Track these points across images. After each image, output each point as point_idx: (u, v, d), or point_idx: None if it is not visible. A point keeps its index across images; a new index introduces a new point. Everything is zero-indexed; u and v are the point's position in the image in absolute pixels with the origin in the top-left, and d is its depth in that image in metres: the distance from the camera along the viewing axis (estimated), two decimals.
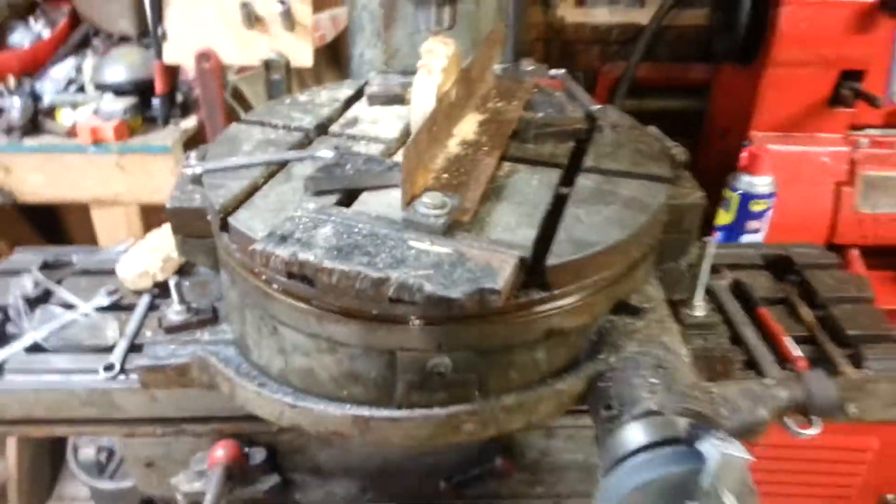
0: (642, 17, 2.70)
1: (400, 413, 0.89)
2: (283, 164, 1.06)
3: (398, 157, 1.08)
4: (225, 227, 0.96)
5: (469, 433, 0.89)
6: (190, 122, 2.07)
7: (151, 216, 2.22)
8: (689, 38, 2.68)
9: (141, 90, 2.07)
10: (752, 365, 1.12)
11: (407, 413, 0.89)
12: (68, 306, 1.24)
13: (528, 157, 1.09)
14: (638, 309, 0.97)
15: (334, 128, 1.18)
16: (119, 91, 2.06)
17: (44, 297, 1.27)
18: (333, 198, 0.96)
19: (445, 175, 0.97)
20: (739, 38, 1.99)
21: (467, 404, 0.88)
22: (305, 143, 1.14)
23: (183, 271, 1.26)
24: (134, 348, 1.14)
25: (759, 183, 1.87)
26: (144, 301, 1.24)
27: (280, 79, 1.53)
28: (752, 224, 1.84)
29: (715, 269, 1.31)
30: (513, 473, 1.12)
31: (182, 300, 1.10)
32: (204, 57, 1.51)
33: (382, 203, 0.95)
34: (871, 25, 1.85)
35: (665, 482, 0.75)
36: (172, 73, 1.75)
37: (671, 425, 0.81)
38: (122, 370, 1.10)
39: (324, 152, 1.06)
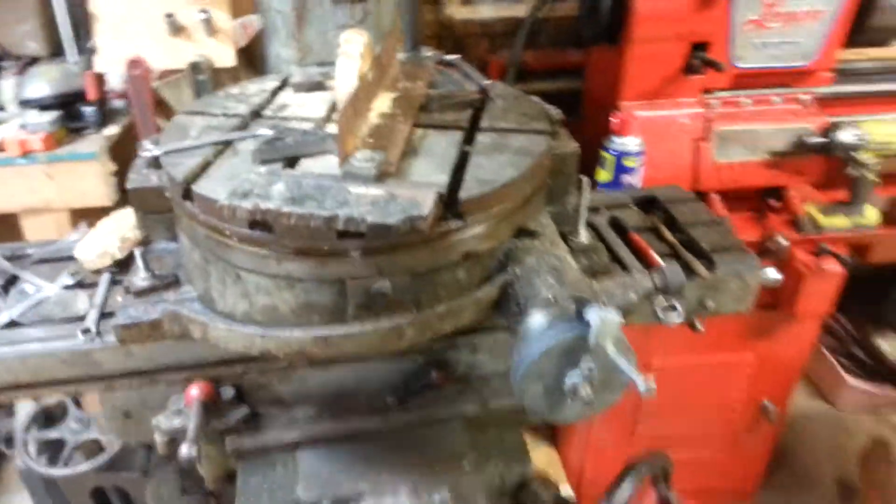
0: (523, 10, 2.99)
1: (352, 328, 1.09)
2: (228, 144, 1.25)
3: (328, 130, 1.29)
4: (188, 195, 1.14)
5: (410, 339, 1.11)
6: (112, 130, 2.20)
7: (79, 220, 2.31)
8: (564, 28, 2.99)
9: (63, 103, 2.18)
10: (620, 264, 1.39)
11: (358, 328, 1.09)
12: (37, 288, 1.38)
13: (435, 124, 1.32)
14: (534, 232, 1.22)
15: (267, 112, 1.37)
16: (43, 105, 2.16)
17: (11, 283, 1.41)
18: (278, 165, 1.16)
19: (370, 139, 1.18)
20: (604, 22, 2.29)
21: (409, 315, 1.10)
22: (244, 126, 1.33)
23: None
24: (104, 316, 1.30)
25: (630, 143, 2.18)
26: (106, 277, 1.39)
27: (206, 79, 1.70)
28: (627, 179, 2.14)
29: (595, 209, 1.59)
30: (446, 385, 1.35)
31: (147, 268, 1.27)
32: (134, 64, 1.65)
33: (320, 166, 1.16)
34: (712, 2, 2.18)
35: (561, 347, 0.99)
36: (102, 81, 1.88)
37: (564, 309, 1.05)
38: (98, 333, 1.26)
39: (263, 131, 1.25)
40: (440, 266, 1.12)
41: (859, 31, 2.35)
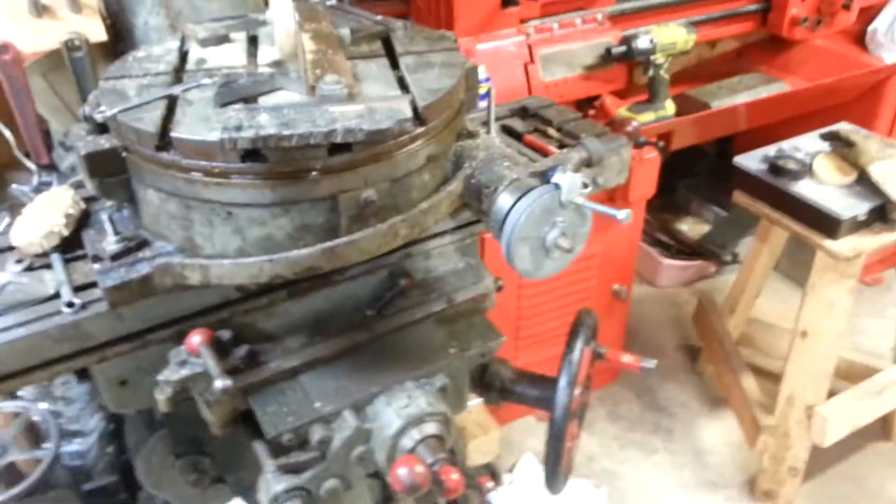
0: None
1: (356, 235, 1.22)
2: (173, 98, 1.28)
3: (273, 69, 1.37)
4: (164, 146, 1.17)
5: (404, 237, 1.26)
6: None
7: None
8: None
9: None
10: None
11: (360, 234, 1.22)
12: None
13: (358, 55, 1.45)
14: (473, 132, 1.41)
15: (190, 67, 1.41)
16: None
17: None
18: (239, 104, 1.23)
19: (318, 70, 1.29)
20: None
21: (399, 216, 1.24)
22: (178, 80, 1.36)
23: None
24: (78, 290, 1.29)
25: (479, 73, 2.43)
26: (56, 257, 1.36)
27: (83, 55, 1.65)
28: (481, 102, 2.39)
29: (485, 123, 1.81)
30: (412, 289, 1.51)
31: (116, 231, 1.29)
32: (2, 49, 1.56)
33: (280, 99, 1.25)
34: None
35: (539, 209, 1.20)
36: None
37: (527, 183, 1.26)
38: (83, 305, 1.25)
39: (204, 80, 1.31)
40: (411, 170, 1.28)
41: None
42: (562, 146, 1.74)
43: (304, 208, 1.21)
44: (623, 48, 2.69)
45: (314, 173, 1.18)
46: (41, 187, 1.77)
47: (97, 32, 1.70)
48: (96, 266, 1.26)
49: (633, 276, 3.18)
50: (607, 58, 2.70)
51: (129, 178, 1.30)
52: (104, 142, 1.27)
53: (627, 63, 2.75)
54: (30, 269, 1.35)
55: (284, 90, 1.29)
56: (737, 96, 3.13)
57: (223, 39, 1.52)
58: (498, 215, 1.25)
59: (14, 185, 2.31)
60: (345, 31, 1.50)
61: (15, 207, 2.06)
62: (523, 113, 1.93)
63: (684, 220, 4.14)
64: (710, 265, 3.90)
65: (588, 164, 1.52)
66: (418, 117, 1.24)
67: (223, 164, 1.16)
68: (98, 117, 1.23)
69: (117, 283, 1.22)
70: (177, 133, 1.15)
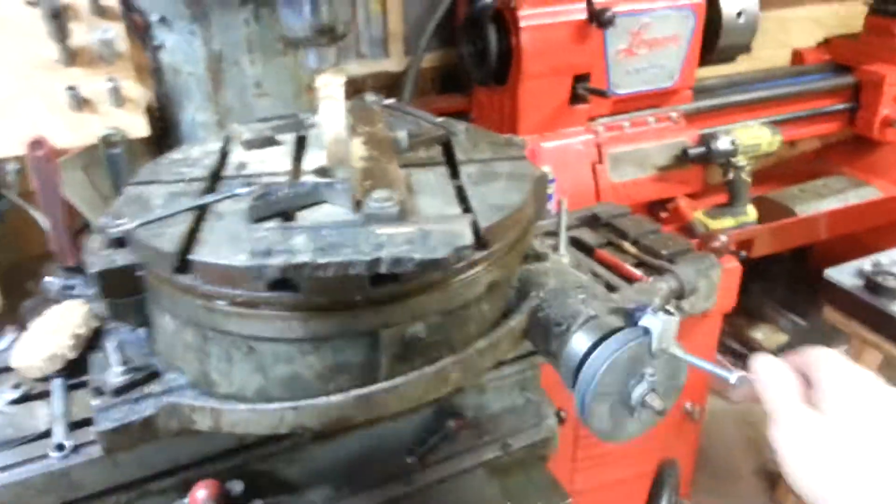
0: (390, 65, 3.03)
1: (398, 380, 1.01)
2: (204, 208, 1.12)
3: (316, 178, 1.21)
4: (183, 267, 1.01)
5: (455, 381, 1.05)
6: None
7: None
8: (439, 75, 3.06)
9: None
10: (611, 288, 1.41)
11: (402, 379, 1.02)
12: None
13: (415, 162, 1.28)
14: (541, 255, 1.21)
15: (228, 172, 1.26)
16: None
17: None
18: (275, 221, 1.06)
19: (368, 181, 1.12)
20: (492, 64, 2.37)
21: (451, 356, 1.04)
22: (211, 188, 1.21)
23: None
24: (73, 427, 1.11)
25: None
26: (58, 383, 1.20)
27: (120, 152, 1.53)
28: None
29: (553, 233, 1.62)
30: (462, 432, 1.29)
31: (123, 361, 1.11)
32: (36, 144, 1.45)
33: (322, 215, 1.08)
34: (588, 36, 2.33)
35: (624, 358, 0.98)
36: None
37: (608, 322, 1.04)
38: (74, 448, 1.07)
39: (239, 189, 1.15)
40: (468, 301, 1.08)
41: (710, 51, 2.61)
42: (639, 264, 1.53)
43: (339, 345, 1.02)
44: (701, 149, 2.49)
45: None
46: (64, 291, 1.63)
47: (138, 128, 1.59)
48: (94, 402, 1.08)
49: (707, 391, 2.88)
50: (683, 158, 2.51)
51: (144, 300, 1.13)
52: (119, 258, 1.12)
53: (704, 164, 2.55)
54: (26, 397, 1.18)
55: (328, 204, 1.12)
56: (823, 201, 2.88)
57: (268, 142, 1.38)
58: (570, 361, 1.03)
59: (48, 279, 2.20)
60: (401, 135, 1.34)
61: (28, 319, 1.94)
62: (594, 222, 1.73)
63: (759, 327, 3.82)
64: None
65: (679, 295, 1.30)
66: (479, 240, 1.05)
67: (247, 292, 0.98)
68: (113, 232, 1.07)
69: (115, 426, 1.03)
70: (198, 255, 0.98)
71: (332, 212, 1.08)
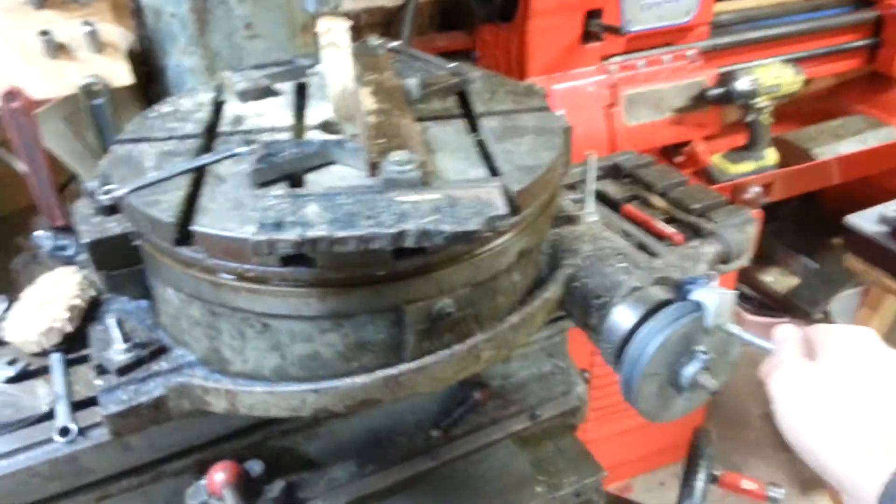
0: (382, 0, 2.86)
1: (426, 360, 0.93)
2: (201, 170, 1.02)
3: (323, 135, 1.10)
4: (185, 238, 0.91)
5: (487, 360, 0.97)
6: None
7: None
8: (437, 11, 2.89)
9: None
10: (642, 248, 1.32)
11: (432, 358, 0.94)
12: None
13: (429, 115, 1.17)
14: (573, 217, 1.11)
15: (224, 128, 1.15)
16: None
17: None
18: (281, 186, 0.96)
19: (382, 140, 1.02)
20: (499, 2, 2.22)
21: (483, 333, 0.95)
22: (207, 146, 1.10)
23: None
24: (77, 407, 1.04)
25: None
26: (56, 359, 1.11)
27: (103, 102, 1.41)
28: None
29: (572, 187, 1.52)
30: (488, 402, 1.22)
31: (126, 338, 1.03)
32: (10, 96, 1.33)
33: (333, 178, 0.98)
34: None
35: (676, 336, 0.89)
36: None
37: (653, 294, 0.96)
38: (80, 431, 0.99)
39: (239, 148, 1.04)
40: (498, 271, 0.99)
41: None
42: (670, 220, 1.43)
43: (361, 322, 0.93)
44: (720, 90, 2.36)
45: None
46: (55, 252, 1.53)
47: (121, 76, 1.46)
48: (98, 382, 1.00)
49: None
50: (701, 100, 2.39)
51: (143, 270, 1.04)
52: (113, 226, 1.02)
53: (722, 105, 2.43)
54: (24, 374, 1.10)
55: (338, 164, 1.02)
56: (841, 143, 2.77)
57: (266, 92, 1.26)
58: (613, 336, 0.95)
59: (37, 233, 2.09)
60: (411, 83, 1.23)
61: (19, 278, 1.84)
62: (616, 173, 1.63)
63: (769, 270, 3.75)
64: (798, 323, 3.50)
65: (725, 260, 1.21)
66: (512, 207, 0.96)
67: (258, 266, 0.89)
68: (104, 199, 0.97)
69: (122, 409, 0.96)
70: (200, 226, 0.88)
71: (343, 174, 0.99)
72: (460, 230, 0.81)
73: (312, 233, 0.80)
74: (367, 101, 1.15)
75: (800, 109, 3.19)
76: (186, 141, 1.11)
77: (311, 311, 0.91)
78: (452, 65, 1.37)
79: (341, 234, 0.80)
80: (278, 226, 0.82)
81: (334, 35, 1.04)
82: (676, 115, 2.42)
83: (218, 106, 1.25)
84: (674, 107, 2.41)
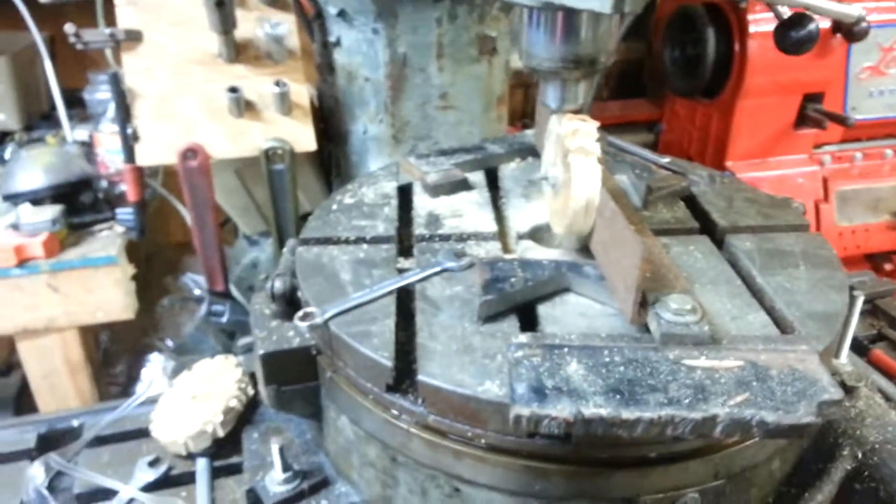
0: None
1: None
2: (406, 296, 0.85)
3: (527, 252, 0.92)
4: (404, 386, 0.74)
5: None
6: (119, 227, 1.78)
7: (91, 340, 1.87)
8: (616, 72, 2.66)
9: (61, 195, 1.75)
10: None
11: None
12: (101, 492, 0.95)
13: (661, 228, 0.97)
14: (853, 388, 0.86)
15: (419, 230, 0.97)
16: (36, 200, 1.72)
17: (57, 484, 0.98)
18: (512, 320, 0.78)
19: (649, 277, 0.80)
20: (706, 73, 1.99)
21: None
22: (403, 252, 0.94)
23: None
24: None
25: None
26: (203, 466, 0.98)
27: (284, 168, 1.30)
28: None
29: None
30: None
31: (286, 466, 0.87)
32: (190, 153, 1.25)
33: (571, 313, 0.79)
34: (828, 49, 1.91)
35: None
36: (143, 178, 1.46)
37: None
38: None
39: (449, 263, 0.87)
40: (759, 460, 0.76)
41: None
42: None
43: None
44: None
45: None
46: (210, 318, 1.44)
47: (306, 142, 1.34)
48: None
49: None
50: None
51: (316, 388, 0.89)
52: (292, 335, 0.87)
53: None
54: (165, 479, 0.97)
55: (573, 292, 0.82)
56: None
57: (459, 186, 1.08)
58: None
59: (189, 275, 2.05)
60: (631, 184, 1.03)
61: (158, 331, 1.77)
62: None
63: None
64: None
65: None
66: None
67: (494, 434, 0.70)
68: (302, 326, 0.79)
69: None
70: (427, 376, 0.70)
71: (582, 309, 0.80)
72: (787, 423, 0.60)
73: (589, 410, 0.60)
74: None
75: None
76: (381, 247, 0.94)
77: (520, 486, 0.72)
78: (667, 160, 1.16)
79: (627, 415, 0.60)
80: (539, 393, 0.62)
81: (584, 140, 0.86)
82: (893, 219, 2.09)
83: (404, 198, 1.08)
84: (893, 209, 2.08)
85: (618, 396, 0.61)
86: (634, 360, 0.66)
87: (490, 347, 0.72)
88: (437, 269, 0.86)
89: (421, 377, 0.69)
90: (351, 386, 0.79)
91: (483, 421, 0.68)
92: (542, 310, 0.79)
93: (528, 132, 1.22)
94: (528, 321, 0.79)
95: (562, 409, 0.60)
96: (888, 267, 2.21)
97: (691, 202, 1.06)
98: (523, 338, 0.69)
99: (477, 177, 1.12)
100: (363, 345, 0.74)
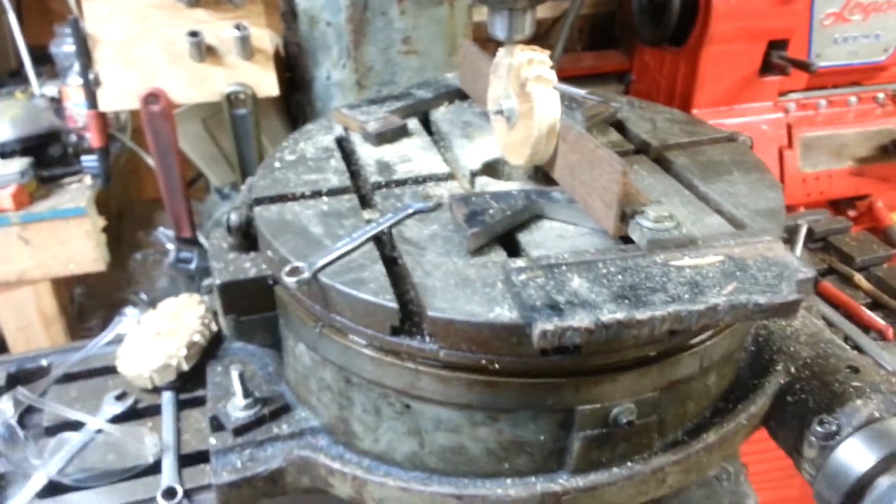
0: (543, 10, 2.66)
1: (598, 476, 0.76)
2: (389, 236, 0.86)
3: (488, 187, 0.94)
4: (407, 326, 0.75)
5: (672, 484, 0.78)
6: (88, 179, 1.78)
7: (65, 293, 1.89)
8: (588, 25, 2.67)
9: (30, 147, 1.75)
10: (846, 342, 1.09)
11: (606, 477, 0.76)
12: (69, 425, 0.98)
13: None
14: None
15: (374, 178, 0.98)
16: (4, 153, 1.73)
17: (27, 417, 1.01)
18: (498, 250, 0.80)
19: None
20: (672, 21, 2.00)
21: (671, 453, 0.77)
22: (364, 201, 0.94)
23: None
24: (184, 461, 0.92)
25: None
26: (168, 399, 1.01)
27: (246, 113, 1.31)
28: None
29: None
30: None
31: (246, 392, 0.90)
32: (151, 98, 1.26)
33: (551, 238, 0.82)
34: None
35: None
36: (106, 123, 1.46)
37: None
38: (187, 494, 0.88)
39: (418, 204, 0.89)
40: (693, 372, 0.80)
41: None
42: (875, 305, 1.19)
43: (520, 419, 0.77)
44: None
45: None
46: (178, 265, 1.46)
47: (268, 86, 1.35)
48: (212, 441, 0.88)
49: None
50: (888, 150, 2.09)
51: (275, 318, 0.92)
52: (249, 266, 0.90)
53: None
54: (132, 412, 1.00)
55: (546, 218, 0.85)
56: None
57: (400, 133, 1.08)
58: (840, 478, 0.74)
59: (161, 229, 2.06)
60: (573, 116, 1.05)
61: (132, 284, 1.78)
62: (808, 239, 1.39)
63: None
64: None
65: None
66: None
67: (508, 357, 0.72)
68: (291, 283, 0.79)
69: (235, 479, 0.83)
70: (437, 311, 0.71)
71: (560, 232, 0.83)
72: (779, 301, 0.66)
73: (606, 317, 0.64)
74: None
75: None
76: (341, 198, 0.94)
77: (462, 399, 0.76)
78: (585, 91, 1.17)
79: (641, 316, 0.65)
80: (555, 308, 0.65)
81: (540, 68, 0.88)
82: (858, 165, 2.13)
83: (345, 150, 1.09)
84: (856, 155, 2.12)
85: (626, 301, 0.66)
86: (628, 268, 0.71)
87: (487, 276, 0.74)
88: (410, 210, 0.87)
89: (431, 313, 0.70)
90: (344, 336, 0.80)
91: (496, 347, 0.70)
92: (522, 237, 0.82)
93: (449, 75, 1.22)
94: (512, 249, 0.81)
95: (581, 320, 0.63)
96: (851, 213, 2.25)
97: (620, 127, 1.10)
98: (521, 262, 0.72)
99: (413, 123, 1.12)
100: (361, 291, 0.75)
